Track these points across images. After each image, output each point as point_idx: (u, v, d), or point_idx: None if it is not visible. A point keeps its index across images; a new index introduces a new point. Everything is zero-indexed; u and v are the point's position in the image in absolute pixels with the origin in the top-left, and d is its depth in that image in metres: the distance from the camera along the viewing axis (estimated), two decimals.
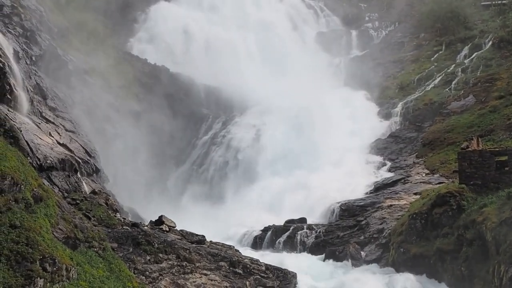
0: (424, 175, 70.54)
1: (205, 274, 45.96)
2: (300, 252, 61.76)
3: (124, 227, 47.86)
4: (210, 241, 52.18)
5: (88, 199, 50.92)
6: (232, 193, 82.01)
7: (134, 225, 49.01)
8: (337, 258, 57.75)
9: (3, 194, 34.06)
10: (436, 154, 74.39)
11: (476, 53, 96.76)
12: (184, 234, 51.24)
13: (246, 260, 49.49)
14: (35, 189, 37.26)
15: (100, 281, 37.05)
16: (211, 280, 45.69)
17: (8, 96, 56.20)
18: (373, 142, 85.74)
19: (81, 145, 63.89)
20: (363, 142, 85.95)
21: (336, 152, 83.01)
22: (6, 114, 52.03)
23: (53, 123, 62.93)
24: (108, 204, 52.24)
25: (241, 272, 47.82)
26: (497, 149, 52.86)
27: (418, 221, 53.51)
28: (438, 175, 68.76)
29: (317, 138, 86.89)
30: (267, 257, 56.36)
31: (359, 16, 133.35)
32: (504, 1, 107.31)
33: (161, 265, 44.71)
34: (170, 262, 45.32)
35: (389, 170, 76.27)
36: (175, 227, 52.48)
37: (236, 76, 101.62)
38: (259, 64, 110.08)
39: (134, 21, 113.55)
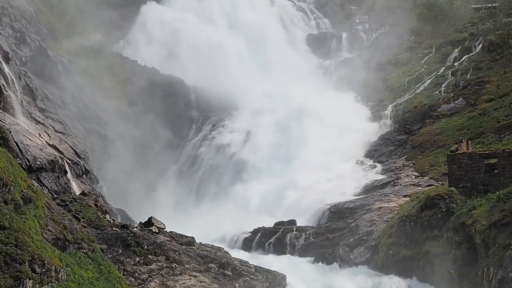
0: (413, 177, 70.63)
1: (195, 276, 45.92)
2: (289, 254, 61.68)
3: (113, 228, 47.82)
4: (200, 243, 52.18)
5: (78, 200, 50.87)
6: (222, 195, 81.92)
7: (124, 226, 48.97)
8: (327, 260, 57.81)
9: None
10: (426, 156, 74.47)
11: (466, 56, 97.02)
12: (173, 236, 51.21)
13: (235, 262, 49.50)
14: (24, 190, 37.17)
15: (89, 282, 36.97)
16: (201, 281, 45.66)
17: None
18: (363, 144, 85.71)
19: (70, 146, 63.83)
20: (353, 144, 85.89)
21: (326, 154, 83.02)
22: None
23: (42, 124, 62.87)
24: (98, 205, 52.19)
25: (231, 274, 47.81)
26: (487, 152, 52.98)
27: (407, 223, 53.62)
28: (427, 177, 68.82)
29: (307, 140, 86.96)
30: (256, 259, 56.39)
31: (350, 19, 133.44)
32: (494, 4, 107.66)
33: (150, 266, 44.67)
34: (159, 264, 45.28)
35: (379, 173, 76.29)
36: (164, 228, 52.47)
37: (227, 78, 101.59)
38: (249, 66, 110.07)
39: (125, 22, 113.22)
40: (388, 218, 60.33)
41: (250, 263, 50.75)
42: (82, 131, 74.98)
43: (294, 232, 64.00)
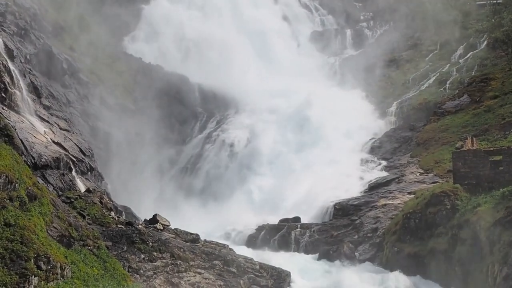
0: (418, 174, 70.57)
1: (199, 273, 45.99)
2: (294, 251, 61.77)
3: (118, 225, 47.87)
4: (204, 240, 52.19)
5: (83, 197, 50.91)
6: (227, 192, 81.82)
7: (129, 223, 49.02)
8: (331, 257, 57.79)
9: None
10: (431, 153, 74.39)
11: (471, 53, 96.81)
12: (178, 233, 51.23)
13: (240, 259, 49.53)
14: (29, 188, 37.28)
15: (94, 279, 37.09)
16: (205, 278, 45.73)
17: (3, 94, 56.34)
18: (367, 141, 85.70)
19: (75, 143, 63.94)
20: (357, 141, 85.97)
21: (331, 151, 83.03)
22: (0, 113, 52.06)
23: (47, 121, 62.99)
24: (103, 202, 52.21)
25: (235, 271, 47.86)
26: (492, 149, 52.98)
27: (412, 220, 53.61)
28: (432, 174, 68.77)
29: (311, 137, 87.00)
30: (261, 256, 56.33)
31: (354, 15, 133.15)
32: (499, 1, 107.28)
33: (155, 263, 44.74)
34: (164, 261, 45.35)
35: (384, 170, 76.27)
36: (169, 225, 52.48)
37: (231, 75, 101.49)
38: (253, 63, 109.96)
39: (129, 19, 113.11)
40: (393, 215, 60.36)
41: (255, 260, 50.78)
42: (86, 129, 75.06)
43: (299, 229, 64.16)
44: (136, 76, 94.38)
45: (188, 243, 49.33)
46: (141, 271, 43.55)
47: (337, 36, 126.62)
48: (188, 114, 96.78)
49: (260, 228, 66.01)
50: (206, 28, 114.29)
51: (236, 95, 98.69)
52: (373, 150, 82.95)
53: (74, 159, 60.51)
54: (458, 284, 47.21)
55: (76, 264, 36.79)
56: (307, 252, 61.10)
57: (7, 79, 58.30)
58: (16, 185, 35.77)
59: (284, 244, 62.87)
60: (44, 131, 59.97)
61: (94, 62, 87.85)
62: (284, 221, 66.88)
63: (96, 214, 48.18)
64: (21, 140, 52.22)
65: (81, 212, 46.89)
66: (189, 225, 56.74)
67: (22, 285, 31.28)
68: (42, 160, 53.86)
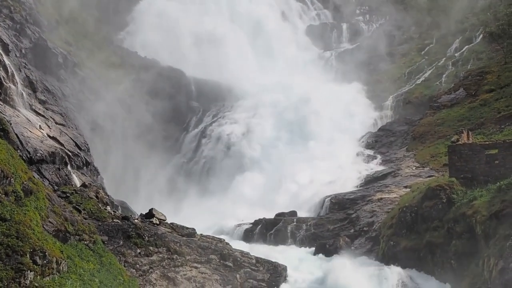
0: (414, 168, 70.62)
1: (196, 267, 45.99)
2: (290, 245, 61.74)
3: (114, 220, 47.84)
4: (201, 234, 52.18)
5: (79, 192, 50.85)
6: (223, 186, 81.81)
7: (125, 218, 48.99)
8: (327, 251, 57.74)
9: None
10: (427, 147, 74.47)
11: (467, 47, 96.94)
12: (174, 227, 51.23)
13: (236, 253, 49.56)
14: (25, 182, 37.21)
15: (90, 274, 37.07)
16: (202, 273, 45.73)
17: None
18: (363, 135, 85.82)
19: (71, 138, 63.85)
20: (353, 135, 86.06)
21: (327, 145, 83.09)
22: None
23: (43, 116, 62.90)
24: (99, 197, 52.17)
25: (232, 265, 47.88)
26: (487, 143, 52.86)
27: (408, 214, 53.55)
28: (428, 168, 68.82)
29: (307, 131, 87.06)
30: (257, 250, 56.32)
31: (350, 9, 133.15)
32: None
33: (151, 258, 44.72)
34: (160, 255, 45.33)
35: (380, 164, 76.30)
36: (165, 220, 52.46)
37: (227, 69, 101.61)
38: (249, 57, 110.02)
39: (125, 14, 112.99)
40: (389, 209, 60.33)
41: (251, 254, 50.79)
42: (82, 123, 74.98)
43: (295, 223, 64.08)
44: (131, 70, 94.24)
45: (184, 238, 49.33)
46: (137, 265, 43.54)
47: (333, 30, 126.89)
48: (184, 108, 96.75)
49: (256, 222, 65.94)
50: (202, 22, 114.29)
51: (232, 90, 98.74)
52: (369, 144, 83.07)
53: (70, 154, 60.44)
54: (454, 277, 47.18)
55: (72, 258, 36.76)
56: (303, 246, 61.08)
57: (2, 73, 58.24)
58: (12, 179, 35.70)
59: (280, 238, 62.82)
60: (40, 125, 59.90)
61: (89, 56, 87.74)
62: (281, 215, 66.84)
63: (92, 209, 48.15)
64: (16, 134, 52.16)
65: (77, 206, 46.84)
66: (185, 219, 56.73)
67: (18, 280, 31.24)
68: (38, 154, 53.79)
